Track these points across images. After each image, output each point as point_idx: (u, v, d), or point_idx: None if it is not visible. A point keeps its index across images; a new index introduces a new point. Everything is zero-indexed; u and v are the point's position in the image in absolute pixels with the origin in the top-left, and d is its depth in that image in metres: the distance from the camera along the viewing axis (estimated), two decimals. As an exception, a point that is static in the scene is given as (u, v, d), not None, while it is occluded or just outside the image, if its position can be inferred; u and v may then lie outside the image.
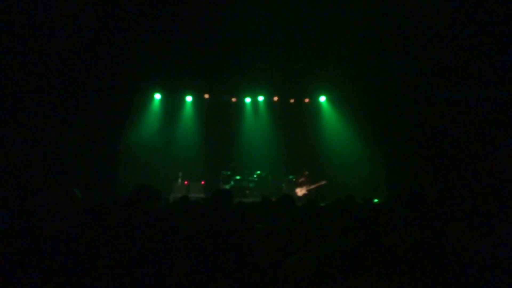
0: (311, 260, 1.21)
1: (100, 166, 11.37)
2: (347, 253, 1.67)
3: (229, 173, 14.01)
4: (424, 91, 11.30)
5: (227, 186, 13.32)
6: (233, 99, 15.03)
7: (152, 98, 14.61)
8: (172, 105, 14.99)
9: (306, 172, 12.83)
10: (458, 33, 9.43)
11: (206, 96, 14.61)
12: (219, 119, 15.09)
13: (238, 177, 14.02)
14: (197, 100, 15.17)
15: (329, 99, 14.99)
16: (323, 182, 12.52)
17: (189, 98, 15.17)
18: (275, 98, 15.14)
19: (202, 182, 13.92)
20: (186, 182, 13.66)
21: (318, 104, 15.13)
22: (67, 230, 2.19)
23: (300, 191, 12.65)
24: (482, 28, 9.04)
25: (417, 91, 11.44)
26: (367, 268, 1.77)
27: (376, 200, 7.70)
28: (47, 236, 2.11)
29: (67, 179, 9.31)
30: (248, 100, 15.48)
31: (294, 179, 13.57)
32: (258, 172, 14.32)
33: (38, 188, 2.40)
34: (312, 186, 12.55)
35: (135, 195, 3.38)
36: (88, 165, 10.96)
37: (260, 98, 15.35)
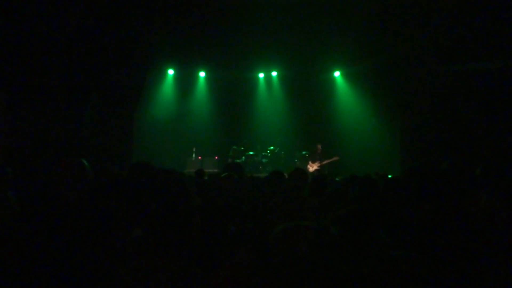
0: (308, 229, 1.17)
1: (115, 142, 11.50)
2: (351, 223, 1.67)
3: (242, 148, 14.05)
4: (438, 65, 11.06)
5: (239, 161, 13.38)
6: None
7: (165, 73, 14.61)
8: (186, 80, 14.98)
9: (319, 146, 12.74)
10: (475, 4, 9.16)
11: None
12: (233, 94, 15.06)
13: (251, 153, 14.07)
14: (211, 75, 15.12)
15: (343, 74, 14.78)
16: (336, 158, 12.45)
17: (202, 74, 15.13)
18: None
19: (216, 157, 14.02)
20: (200, 157, 13.78)
21: (333, 79, 14.94)
22: (77, 198, 2.24)
23: (312, 167, 12.62)
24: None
25: (431, 65, 11.21)
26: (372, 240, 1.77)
27: (390, 176, 7.66)
28: (61, 202, 2.16)
29: (83, 152, 9.45)
30: (261, 75, 15.38)
31: (307, 155, 13.55)
32: (271, 147, 14.33)
33: (53, 161, 2.45)
34: (325, 162, 12.50)
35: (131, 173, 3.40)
36: (103, 141, 11.10)
37: (274, 74, 15.23)
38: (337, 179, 5.77)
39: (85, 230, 1.97)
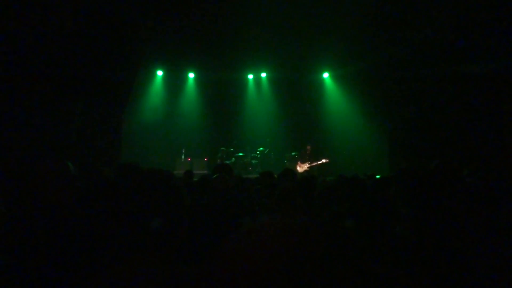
0: (282, 222, 1.16)
1: (104, 144, 11.39)
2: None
3: (231, 149, 14.05)
4: (425, 67, 11.18)
5: (228, 163, 13.36)
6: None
7: (154, 74, 14.55)
8: (175, 81, 14.94)
9: (309, 147, 12.80)
10: (460, 8, 9.28)
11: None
12: (222, 95, 15.05)
13: (240, 154, 14.06)
14: (200, 76, 15.10)
15: (332, 76, 14.87)
16: (325, 160, 12.50)
17: (191, 75, 15.10)
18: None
19: (206, 159, 13.98)
20: (189, 159, 13.73)
21: (322, 80, 15.02)
22: (62, 200, 2.22)
23: (302, 168, 12.66)
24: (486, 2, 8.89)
25: (418, 67, 11.33)
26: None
27: (378, 176, 7.72)
28: (46, 206, 2.14)
29: (71, 154, 9.35)
30: (250, 76, 15.41)
31: (296, 156, 13.59)
32: (261, 148, 14.34)
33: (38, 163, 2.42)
34: (314, 164, 12.55)
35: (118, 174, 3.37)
36: (91, 143, 10.98)
37: (263, 75, 15.27)
38: (328, 179, 5.81)
39: (70, 234, 1.95)
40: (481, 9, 8.96)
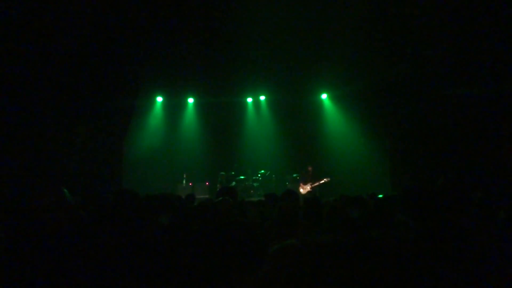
0: (297, 248, 1.13)
1: (105, 171, 11.35)
2: (338, 244, 1.62)
3: (232, 173, 13.98)
4: (425, 88, 11.23)
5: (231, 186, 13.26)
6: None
7: (154, 100, 14.63)
8: (174, 107, 15.01)
9: (310, 168, 12.77)
10: (458, 29, 9.37)
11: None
12: (222, 119, 15.08)
13: (241, 177, 13.99)
14: (199, 101, 15.17)
15: (330, 97, 14.94)
16: (327, 179, 12.44)
17: (191, 100, 15.17)
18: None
19: (207, 183, 13.90)
20: (190, 184, 13.65)
21: (320, 101, 15.08)
22: (57, 227, 2.18)
23: (304, 189, 12.58)
24: (483, 25, 8.98)
25: (418, 87, 11.38)
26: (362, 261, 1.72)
27: (380, 196, 7.64)
28: (42, 233, 2.10)
29: (71, 183, 9.28)
30: (250, 100, 15.48)
31: (298, 177, 13.52)
32: (262, 171, 14.28)
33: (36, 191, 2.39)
34: (316, 184, 12.48)
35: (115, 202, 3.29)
36: (93, 170, 10.94)
37: (262, 98, 15.35)
38: (331, 200, 5.73)
39: (65, 260, 1.90)
40: (479, 30, 9.05)
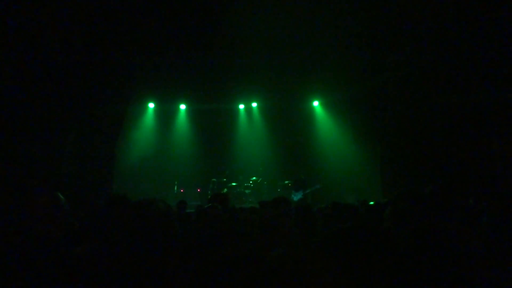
0: (295, 255, 1.15)
1: (96, 177, 11.26)
2: (337, 249, 1.63)
3: (224, 179, 13.96)
4: (416, 94, 11.32)
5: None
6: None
7: (146, 106, 14.58)
8: (166, 113, 14.97)
9: (302, 175, 12.82)
10: (450, 36, 9.47)
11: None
12: (214, 126, 15.08)
13: (233, 184, 13.97)
14: (191, 107, 15.16)
15: (322, 103, 15.02)
16: (318, 186, 12.47)
17: (182, 106, 15.15)
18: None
19: (198, 190, 13.87)
20: (182, 190, 13.61)
21: (312, 108, 15.15)
22: (53, 233, 2.16)
23: (296, 196, 12.59)
24: (477, 30, 9.07)
25: (409, 93, 11.46)
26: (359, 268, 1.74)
27: (371, 203, 7.67)
28: (35, 237, 2.07)
29: (63, 187, 9.20)
30: (241, 106, 15.50)
31: (290, 184, 13.52)
32: (254, 178, 14.28)
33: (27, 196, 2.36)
34: (308, 191, 12.50)
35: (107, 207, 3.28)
36: (83, 176, 10.85)
37: (254, 104, 15.37)
38: (322, 206, 5.75)
39: (58, 267, 1.88)
40: (470, 35, 9.13)
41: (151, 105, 14.66)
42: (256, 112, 15.54)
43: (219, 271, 1.57)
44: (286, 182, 13.80)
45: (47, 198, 2.42)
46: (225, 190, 13.67)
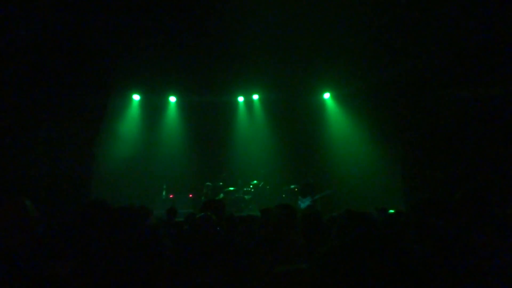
0: (305, 273, 1.13)
1: (71, 180, 11.23)
2: (350, 267, 1.61)
3: (220, 183, 13.94)
4: (444, 85, 11.26)
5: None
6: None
7: (130, 99, 14.56)
8: (154, 106, 14.95)
9: (310, 178, 12.79)
10: (468, 28, 9.45)
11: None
12: (209, 121, 15.05)
13: (231, 188, 13.95)
14: (183, 100, 15.12)
15: (334, 96, 14.97)
16: (329, 191, 12.45)
17: (173, 99, 15.12)
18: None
19: (190, 195, 13.84)
20: (171, 196, 13.59)
21: (322, 101, 15.11)
22: (19, 242, 2.14)
23: (303, 203, 12.57)
24: (493, 23, 9.08)
25: (436, 85, 11.40)
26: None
27: (391, 211, 7.64)
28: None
29: (32, 192, 9.17)
30: (241, 99, 15.46)
31: (296, 189, 13.49)
32: (255, 182, 14.26)
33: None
34: (317, 196, 12.47)
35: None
36: (56, 178, 10.82)
37: (255, 97, 15.32)
38: (334, 214, 5.70)
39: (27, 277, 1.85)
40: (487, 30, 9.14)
41: (136, 97, 14.63)
42: (257, 106, 15.51)
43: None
44: (292, 186, 13.76)
45: (12, 205, 2.40)
46: (221, 195, 13.64)
